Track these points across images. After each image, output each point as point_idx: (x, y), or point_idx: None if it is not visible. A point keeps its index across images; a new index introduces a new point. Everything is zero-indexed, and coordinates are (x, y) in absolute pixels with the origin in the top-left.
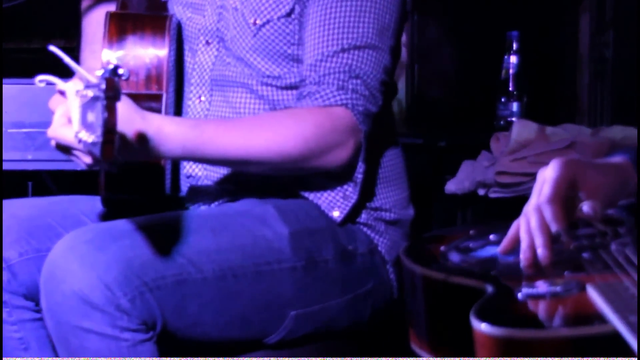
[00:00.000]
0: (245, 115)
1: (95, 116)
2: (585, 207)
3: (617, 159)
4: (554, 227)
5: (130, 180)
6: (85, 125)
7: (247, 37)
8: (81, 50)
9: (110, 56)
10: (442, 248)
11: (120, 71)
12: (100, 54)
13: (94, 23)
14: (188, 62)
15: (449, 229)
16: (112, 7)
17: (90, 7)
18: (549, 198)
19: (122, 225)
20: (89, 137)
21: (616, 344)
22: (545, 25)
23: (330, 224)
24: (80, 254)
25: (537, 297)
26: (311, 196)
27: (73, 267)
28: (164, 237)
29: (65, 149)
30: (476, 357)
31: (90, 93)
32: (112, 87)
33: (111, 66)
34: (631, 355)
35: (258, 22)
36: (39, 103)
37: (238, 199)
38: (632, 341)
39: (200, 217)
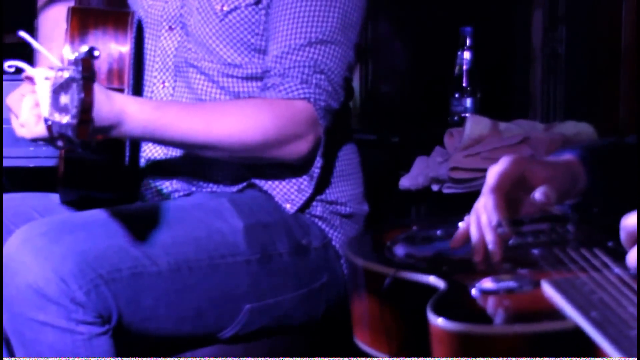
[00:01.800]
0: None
1: (70, 98)
2: (538, 194)
3: (566, 156)
4: (494, 217)
5: (89, 175)
6: (58, 108)
7: (211, 23)
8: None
9: (72, 51)
10: (388, 242)
11: (96, 53)
12: (57, 51)
13: (51, 20)
14: (149, 49)
15: (395, 221)
16: (69, 4)
17: (47, 4)
18: (491, 188)
19: (77, 217)
20: (62, 119)
21: (573, 339)
22: (498, 21)
23: (284, 218)
24: (35, 247)
25: (491, 292)
26: (266, 186)
27: (27, 260)
28: (120, 230)
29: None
30: (432, 351)
31: (65, 74)
32: (88, 68)
33: (86, 48)
34: (591, 349)
35: (225, 8)
36: None
37: (193, 190)
38: (595, 336)
39: (155, 210)
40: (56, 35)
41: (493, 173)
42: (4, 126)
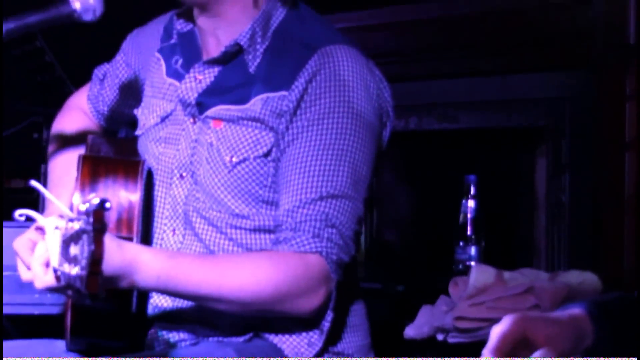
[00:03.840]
0: (218, 253)
1: (80, 249)
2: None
3: (573, 310)
4: None
5: (96, 324)
6: (67, 258)
7: (220, 174)
8: None
9: (82, 199)
10: None
11: (107, 205)
12: (66, 197)
13: (60, 167)
14: (160, 196)
15: None
16: (78, 151)
17: (56, 151)
18: (491, 349)
19: None
20: (71, 270)
21: None
22: (502, 170)
23: None
24: None
25: None
26: (276, 339)
27: None
28: None
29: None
30: None
31: (76, 226)
32: (99, 220)
33: (97, 200)
34: None
35: (234, 159)
36: None
37: (201, 338)
38: None
39: None
40: (65, 181)
41: (494, 334)
42: (8, 273)
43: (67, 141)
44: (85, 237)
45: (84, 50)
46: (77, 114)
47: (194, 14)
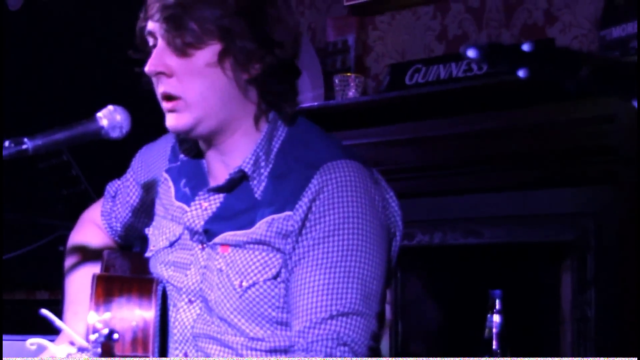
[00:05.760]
0: None
1: None
2: None
3: None
4: None
5: None
6: None
7: (232, 299)
8: (64, 311)
9: (97, 318)
10: None
11: (115, 336)
12: (83, 315)
13: (77, 283)
14: (171, 318)
15: None
16: (94, 267)
17: (73, 267)
18: None
19: None
20: None
21: None
22: (528, 285)
23: None
24: None
25: None
26: None
27: None
28: None
29: None
30: None
31: (85, 359)
32: (107, 352)
33: (106, 331)
34: None
35: (244, 284)
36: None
37: None
38: None
39: None
40: (81, 298)
41: None
42: None
43: (83, 256)
44: None
45: (110, 163)
46: (92, 228)
47: (198, 142)
